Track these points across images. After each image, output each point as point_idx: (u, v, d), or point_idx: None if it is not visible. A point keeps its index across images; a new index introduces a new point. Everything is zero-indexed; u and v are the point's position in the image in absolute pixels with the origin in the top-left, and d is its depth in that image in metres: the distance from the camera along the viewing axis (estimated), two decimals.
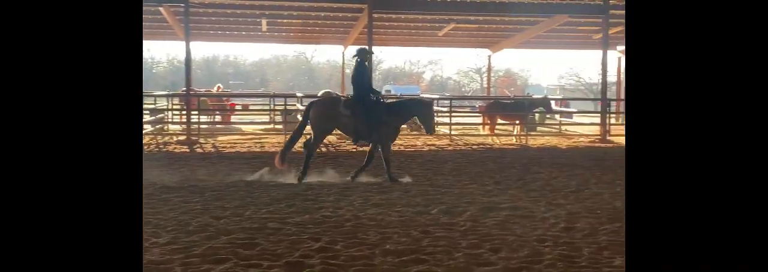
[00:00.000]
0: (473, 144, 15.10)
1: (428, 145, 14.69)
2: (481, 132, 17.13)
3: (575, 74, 51.53)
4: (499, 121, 16.84)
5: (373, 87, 9.07)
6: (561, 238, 5.22)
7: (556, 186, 8.17)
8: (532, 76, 64.91)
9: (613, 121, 18.32)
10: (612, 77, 26.41)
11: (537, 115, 18.69)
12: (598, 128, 16.64)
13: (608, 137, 15.94)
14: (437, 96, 29.29)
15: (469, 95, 50.62)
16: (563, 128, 19.64)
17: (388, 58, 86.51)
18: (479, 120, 18.11)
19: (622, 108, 22.55)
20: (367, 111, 8.59)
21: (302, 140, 9.12)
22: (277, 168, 8.84)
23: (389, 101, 9.12)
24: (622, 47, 23.80)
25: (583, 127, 19.47)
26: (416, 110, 8.95)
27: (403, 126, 9.88)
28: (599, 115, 17.17)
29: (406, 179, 8.63)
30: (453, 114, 18.45)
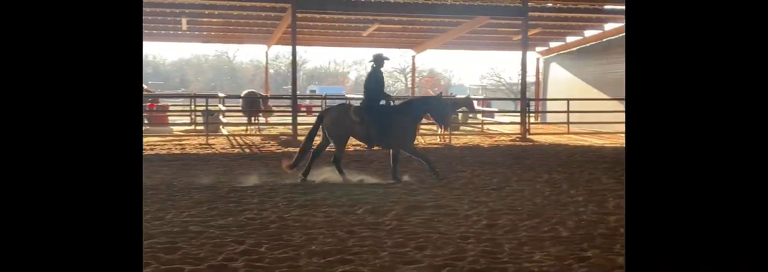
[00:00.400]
0: None
1: (354, 145, 14.70)
2: None
3: (496, 75, 52.85)
4: (424, 120, 17.04)
5: (385, 92, 9.10)
6: (483, 235, 5.33)
7: (479, 184, 8.35)
8: (455, 76, 66.27)
9: (532, 120, 18.87)
10: (531, 78, 27.24)
11: (460, 114, 19.04)
12: (518, 127, 17.10)
13: (528, 136, 16.41)
14: (362, 96, 29.35)
15: (394, 95, 51.00)
16: (485, 127, 20.09)
17: (312, 58, 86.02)
18: None
19: (542, 108, 23.30)
20: (376, 117, 8.67)
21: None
22: (284, 172, 8.90)
23: (398, 103, 9.11)
24: (541, 48, 24.60)
25: (504, 126, 19.98)
26: (426, 107, 9.03)
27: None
28: (519, 114, 17.65)
29: (405, 178, 8.70)
30: None
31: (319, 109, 23.69)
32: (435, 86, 52.67)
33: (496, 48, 25.69)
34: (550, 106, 22.23)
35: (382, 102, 8.95)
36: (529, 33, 17.56)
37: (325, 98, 24.23)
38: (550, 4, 18.13)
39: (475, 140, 16.31)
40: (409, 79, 35.96)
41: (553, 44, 23.80)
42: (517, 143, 15.52)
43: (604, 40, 20.20)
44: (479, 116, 21.30)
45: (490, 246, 4.93)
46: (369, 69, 9.07)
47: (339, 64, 64.95)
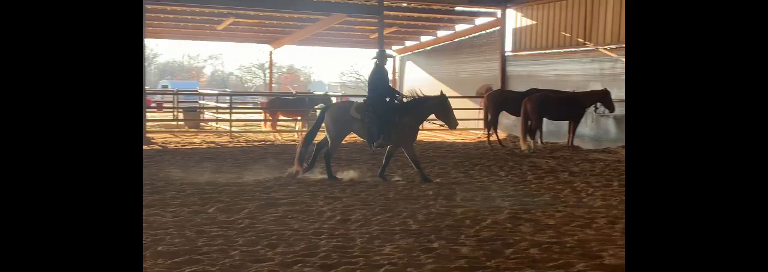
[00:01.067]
0: (255, 141, 14.98)
1: (208, 142, 14.29)
2: (263, 128, 17.06)
3: (356, 72, 53.51)
4: (281, 117, 16.92)
5: (391, 89, 8.89)
6: (337, 230, 5.39)
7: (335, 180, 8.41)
8: (314, 73, 66.25)
9: None
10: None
11: (318, 111, 19.05)
12: None
13: None
14: (217, 92, 28.64)
15: (252, 91, 50.12)
16: None
17: (164, 51, 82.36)
18: (261, 116, 18.03)
19: None
20: (378, 114, 8.41)
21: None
22: (297, 170, 8.71)
23: (404, 101, 8.75)
24: (398, 47, 25.21)
25: None
26: (432, 108, 8.73)
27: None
28: None
29: (437, 180, 8.54)
30: (234, 110, 18.16)
31: (171, 104, 22.75)
32: (294, 83, 52.39)
33: (355, 45, 25.98)
34: None
35: (387, 99, 8.69)
36: (385, 31, 17.92)
37: (177, 93, 23.33)
38: (404, 4, 18.61)
39: None
40: (268, 75, 35.48)
41: (408, 43, 24.47)
42: None
43: (455, 40, 21.07)
44: None
45: (342, 241, 4.99)
46: (372, 66, 8.83)
47: (193, 58, 62.64)
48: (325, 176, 8.56)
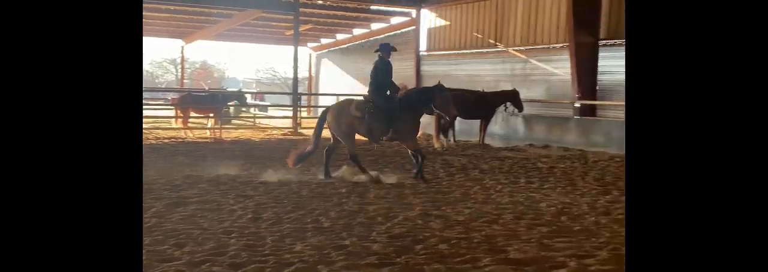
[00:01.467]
0: (165, 138, 14.55)
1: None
2: (174, 125, 16.60)
3: (272, 68, 52.79)
4: (193, 114, 16.50)
5: (394, 83, 8.63)
6: (247, 229, 5.32)
7: (246, 178, 8.30)
8: (229, 69, 64.92)
9: (304, 114, 19.21)
10: (304, 72, 27.68)
11: (232, 108, 18.72)
12: (290, 120, 17.29)
13: (299, 130, 16.67)
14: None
15: (163, 86, 48.61)
16: (257, 121, 19.99)
17: None
18: (172, 113, 17.53)
19: (314, 102, 23.80)
20: (378, 110, 8.21)
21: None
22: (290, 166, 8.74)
23: (404, 94, 8.50)
24: (313, 44, 25.10)
25: (277, 120, 20.08)
26: (429, 99, 8.47)
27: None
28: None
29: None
30: (143, 107, 17.56)
31: None
32: (208, 79, 51.13)
33: (271, 42, 25.71)
34: (322, 100, 22.80)
35: (389, 93, 8.53)
36: (301, 28, 17.82)
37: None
38: (320, 2, 18.57)
39: (247, 133, 16.17)
40: (180, 70, 34.46)
41: (324, 41, 24.42)
42: (289, 136, 15.69)
43: (371, 39, 21.20)
44: (252, 109, 21.14)
45: (253, 240, 4.93)
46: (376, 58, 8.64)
47: None
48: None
